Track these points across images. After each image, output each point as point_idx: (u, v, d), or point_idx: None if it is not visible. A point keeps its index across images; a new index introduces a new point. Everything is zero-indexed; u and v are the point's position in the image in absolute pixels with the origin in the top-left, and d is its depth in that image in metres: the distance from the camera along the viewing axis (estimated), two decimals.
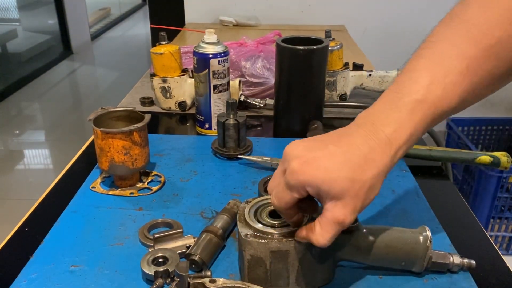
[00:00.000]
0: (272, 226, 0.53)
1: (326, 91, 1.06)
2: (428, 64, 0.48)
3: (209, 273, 0.51)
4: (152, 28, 2.14)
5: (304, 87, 0.90)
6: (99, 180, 0.77)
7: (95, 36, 5.35)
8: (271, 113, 1.00)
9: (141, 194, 0.74)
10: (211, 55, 0.89)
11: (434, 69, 0.48)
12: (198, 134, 0.97)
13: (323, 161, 0.45)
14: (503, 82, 0.51)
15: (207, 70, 0.90)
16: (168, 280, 0.52)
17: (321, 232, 0.47)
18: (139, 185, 0.76)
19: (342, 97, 1.10)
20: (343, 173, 0.44)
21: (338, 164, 0.45)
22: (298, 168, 0.45)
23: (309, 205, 0.50)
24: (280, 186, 0.48)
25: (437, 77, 0.47)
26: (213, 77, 0.91)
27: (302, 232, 0.50)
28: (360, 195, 0.45)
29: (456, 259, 0.57)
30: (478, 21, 0.48)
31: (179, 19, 2.05)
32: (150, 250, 0.59)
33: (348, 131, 0.48)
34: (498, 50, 0.47)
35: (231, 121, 0.83)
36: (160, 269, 0.52)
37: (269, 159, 0.81)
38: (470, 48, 0.47)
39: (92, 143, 0.81)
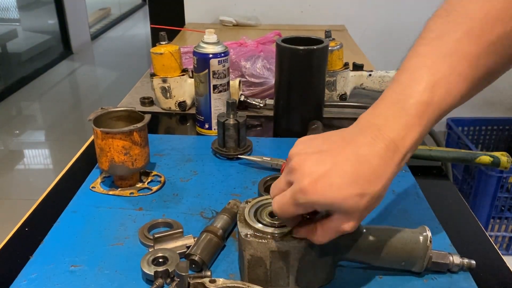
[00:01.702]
0: (272, 226, 0.53)
1: (326, 91, 1.06)
2: (428, 62, 0.47)
3: (209, 273, 0.51)
4: (152, 28, 2.14)
5: (304, 87, 0.90)
6: (99, 180, 0.77)
7: (95, 36, 5.35)
8: (271, 113, 1.00)
9: (141, 194, 0.74)
10: (211, 55, 0.89)
11: (436, 68, 0.46)
12: (198, 134, 0.97)
13: (333, 178, 0.44)
14: (501, 74, 0.51)
15: (207, 70, 0.90)
16: (168, 280, 0.52)
17: (322, 234, 0.48)
18: (139, 185, 0.76)
19: (342, 97, 1.10)
20: (354, 190, 0.44)
21: (348, 180, 0.44)
22: (309, 188, 0.44)
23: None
24: (285, 199, 0.47)
25: (440, 78, 0.46)
26: (213, 77, 0.91)
27: (301, 232, 0.50)
28: (368, 207, 0.45)
29: (456, 259, 0.57)
30: (478, 16, 0.47)
31: (179, 19, 2.05)
32: (150, 250, 0.59)
33: (354, 136, 0.46)
34: (498, 46, 0.47)
35: (231, 121, 0.83)
36: (160, 269, 0.52)
37: (269, 159, 0.81)
38: (471, 46, 0.46)
39: (92, 143, 0.81)
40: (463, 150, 0.82)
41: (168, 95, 1.05)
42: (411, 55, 0.49)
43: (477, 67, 0.47)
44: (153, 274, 0.53)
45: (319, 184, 0.44)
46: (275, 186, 0.50)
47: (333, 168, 0.44)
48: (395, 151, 0.45)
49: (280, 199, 0.47)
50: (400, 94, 0.46)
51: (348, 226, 0.45)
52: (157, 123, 1.04)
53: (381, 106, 0.47)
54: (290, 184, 0.47)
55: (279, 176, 0.69)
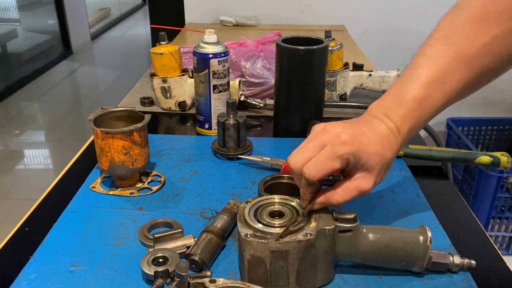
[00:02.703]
0: (272, 226, 0.53)
1: (326, 91, 1.06)
2: (429, 62, 0.53)
3: (209, 273, 0.51)
4: (152, 28, 2.14)
5: (304, 87, 0.90)
6: (99, 180, 0.77)
7: (95, 36, 5.34)
8: (271, 113, 1.00)
9: (141, 194, 0.74)
10: (211, 55, 0.89)
11: (434, 68, 0.52)
12: (198, 134, 0.97)
13: (362, 138, 0.52)
14: (500, 73, 0.54)
15: (207, 70, 0.90)
16: (168, 280, 0.52)
17: (342, 194, 0.53)
18: (139, 185, 0.76)
19: (342, 97, 1.10)
20: (378, 149, 0.52)
21: (373, 141, 0.52)
22: (348, 140, 0.51)
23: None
24: (321, 157, 0.52)
25: (436, 76, 0.52)
26: (213, 77, 0.91)
27: (321, 199, 0.54)
28: (383, 170, 0.53)
29: (456, 259, 0.57)
30: (476, 17, 0.52)
31: (179, 19, 2.05)
32: (150, 250, 0.59)
33: (367, 119, 0.55)
34: (494, 47, 0.51)
35: (231, 121, 0.83)
36: (160, 269, 0.52)
37: (269, 159, 0.81)
38: (468, 47, 0.51)
39: (92, 143, 0.81)
40: (463, 150, 0.82)
41: (168, 95, 1.05)
42: (418, 53, 0.55)
43: (473, 66, 0.52)
44: (153, 274, 0.53)
45: (355, 139, 0.52)
46: (297, 155, 0.54)
47: (361, 132, 0.53)
48: (397, 133, 0.53)
49: (316, 160, 0.52)
50: (401, 89, 0.54)
51: (367, 184, 0.52)
52: (157, 123, 1.04)
53: (386, 98, 0.55)
54: (321, 147, 0.52)
55: (279, 176, 0.69)
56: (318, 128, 0.54)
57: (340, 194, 0.53)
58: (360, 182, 0.52)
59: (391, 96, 0.55)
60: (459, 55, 0.52)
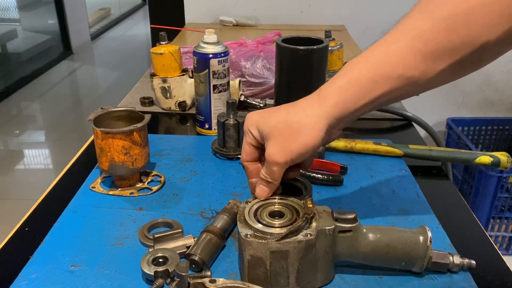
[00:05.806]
0: (272, 226, 0.53)
1: None
2: (385, 37, 0.52)
3: (209, 273, 0.51)
4: (152, 28, 2.14)
5: (304, 87, 0.90)
6: (99, 180, 0.77)
7: (95, 36, 5.35)
8: None
9: (141, 194, 0.74)
10: (211, 55, 0.89)
11: (387, 40, 0.51)
12: (198, 134, 0.97)
13: (263, 112, 0.57)
14: (461, 64, 0.50)
15: (207, 70, 0.90)
16: (168, 280, 0.52)
17: (264, 170, 0.56)
18: (139, 185, 0.76)
19: None
20: (273, 118, 0.55)
21: (272, 113, 0.56)
22: (247, 117, 0.58)
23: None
24: None
25: (380, 47, 0.51)
26: (213, 77, 0.91)
27: (259, 188, 0.58)
28: (285, 135, 0.53)
29: (456, 259, 0.57)
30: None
31: (179, 19, 2.05)
32: (150, 250, 0.59)
33: None
34: (449, 23, 0.48)
35: (231, 121, 0.83)
36: (160, 269, 0.52)
37: None
38: (421, 21, 0.50)
39: (92, 143, 0.81)
40: (463, 150, 0.82)
41: (168, 95, 1.05)
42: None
43: (426, 40, 0.49)
44: (153, 274, 0.53)
45: (253, 114, 0.57)
46: None
47: (268, 110, 0.57)
48: (316, 95, 0.55)
49: None
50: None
51: (269, 151, 0.54)
52: (157, 123, 1.04)
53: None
54: None
55: None
56: None
57: (263, 171, 0.56)
58: (266, 151, 0.55)
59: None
60: (411, 28, 0.50)
